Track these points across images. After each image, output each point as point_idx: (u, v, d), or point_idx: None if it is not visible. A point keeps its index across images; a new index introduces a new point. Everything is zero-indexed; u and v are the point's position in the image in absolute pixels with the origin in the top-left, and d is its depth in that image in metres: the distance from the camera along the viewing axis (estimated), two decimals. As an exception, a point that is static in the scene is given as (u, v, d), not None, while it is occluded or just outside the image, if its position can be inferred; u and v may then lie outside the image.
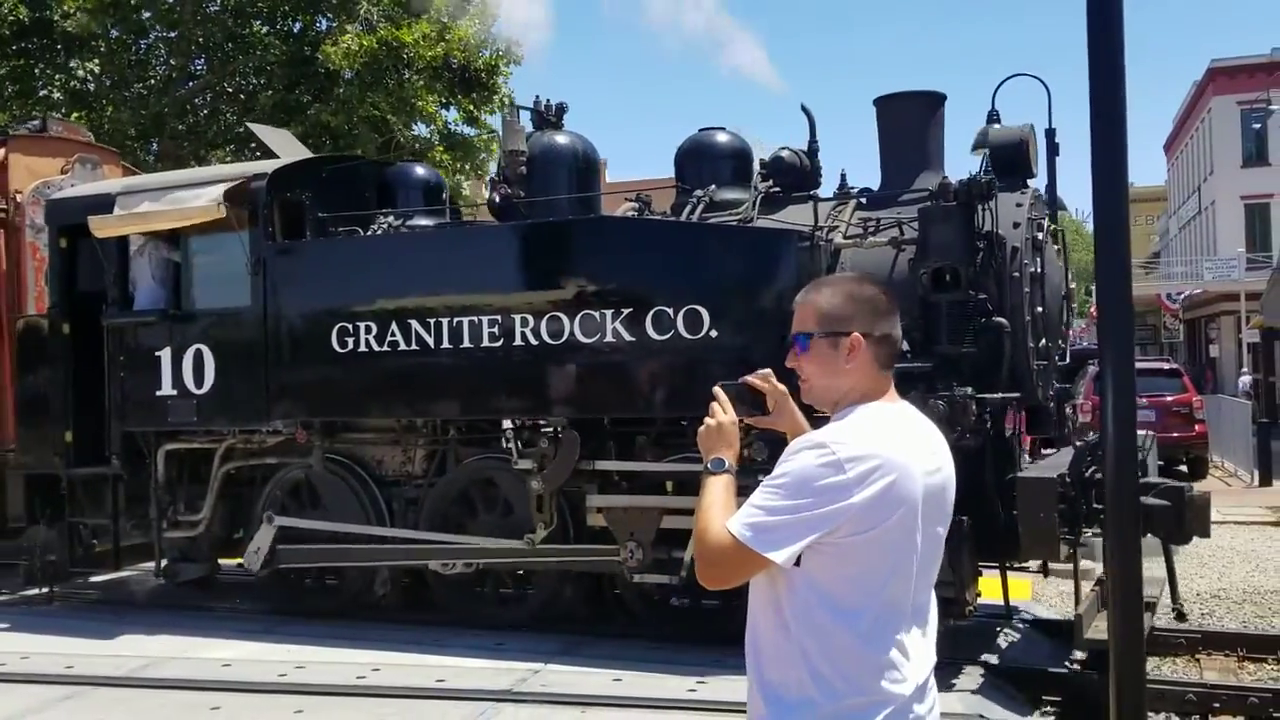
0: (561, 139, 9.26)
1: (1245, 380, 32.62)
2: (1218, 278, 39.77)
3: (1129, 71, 3.71)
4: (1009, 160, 7.94)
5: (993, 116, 9.41)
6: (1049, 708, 7.01)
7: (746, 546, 2.38)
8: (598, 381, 7.98)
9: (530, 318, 8.04)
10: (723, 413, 2.66)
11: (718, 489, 2.53)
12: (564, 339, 7.93)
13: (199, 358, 9.11)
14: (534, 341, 8.03)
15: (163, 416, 9.23)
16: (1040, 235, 8.01)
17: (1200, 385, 30.36)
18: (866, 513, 2.35)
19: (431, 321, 8.33)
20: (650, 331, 7.74)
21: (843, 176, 8.71)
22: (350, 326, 8.55)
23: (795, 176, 8.63)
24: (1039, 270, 7.92)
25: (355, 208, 9.55)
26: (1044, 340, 8.00)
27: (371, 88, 19.84)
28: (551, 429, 8.21)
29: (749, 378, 2.76)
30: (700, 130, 9.16)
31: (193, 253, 9.38)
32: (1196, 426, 19.26)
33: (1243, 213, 42.79)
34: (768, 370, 2.79)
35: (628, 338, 7.80)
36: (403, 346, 8.40)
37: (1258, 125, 41.19)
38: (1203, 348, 44.18)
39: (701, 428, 2.66)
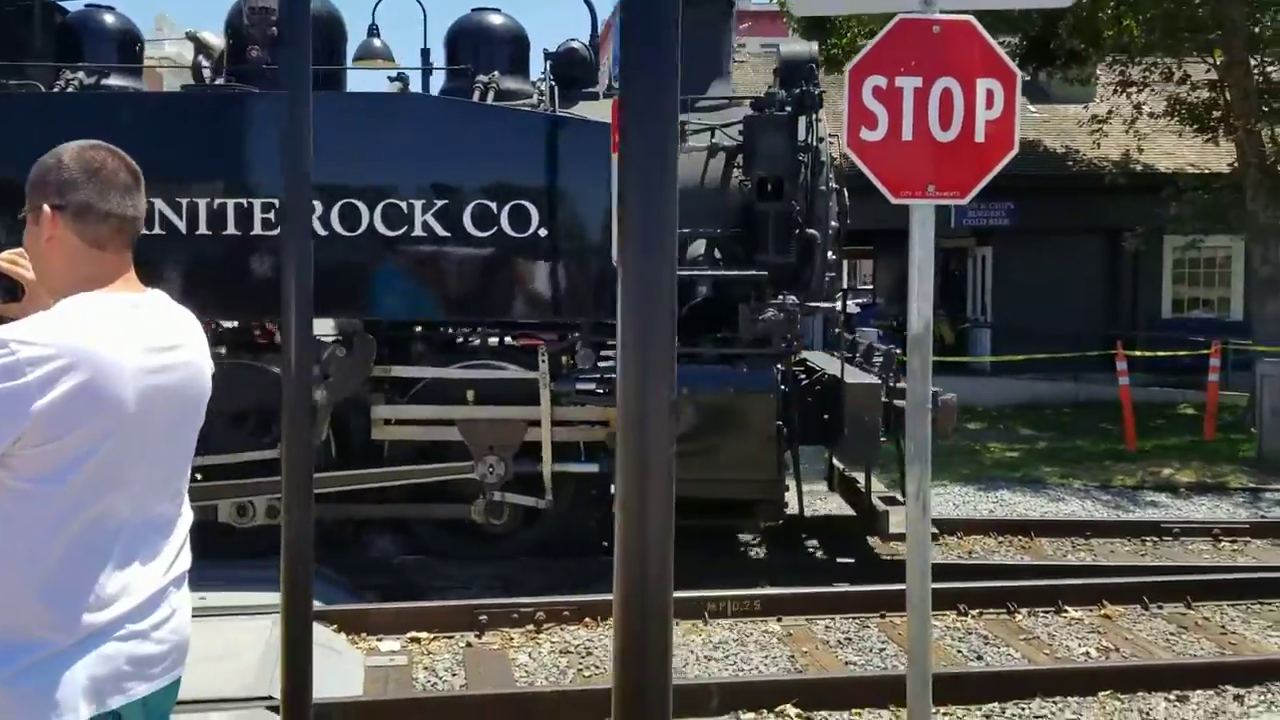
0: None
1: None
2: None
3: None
4: (798, 77, 7.97)
5: (373, 30, 9.49)
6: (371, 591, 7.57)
7: None
8: (402, 280, 7.32)
9: (319, 204, 7.07)
10: None
11: None
12: (361, 230, 7.15)
13: None
14: (323, 231, 7.08)
15: None
16: (835, 153, 8.17)
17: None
18: (53, 419, 2.02)
19: (184, 202, 7.15)
20: (470, 227, 7.21)
21: (610, 77, 8.65)
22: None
23: (583, 71, 8.39)
24: (835, 185, 8.14)
25: (26, 57, 7.92)
26: (831, 254, 8.25)
27: None
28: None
29: None
30: (473, 10, 8.46)
31: None
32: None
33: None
34: (19, 250, 2.39)
35: (441, 232, 7.20)
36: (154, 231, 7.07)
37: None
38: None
39: None
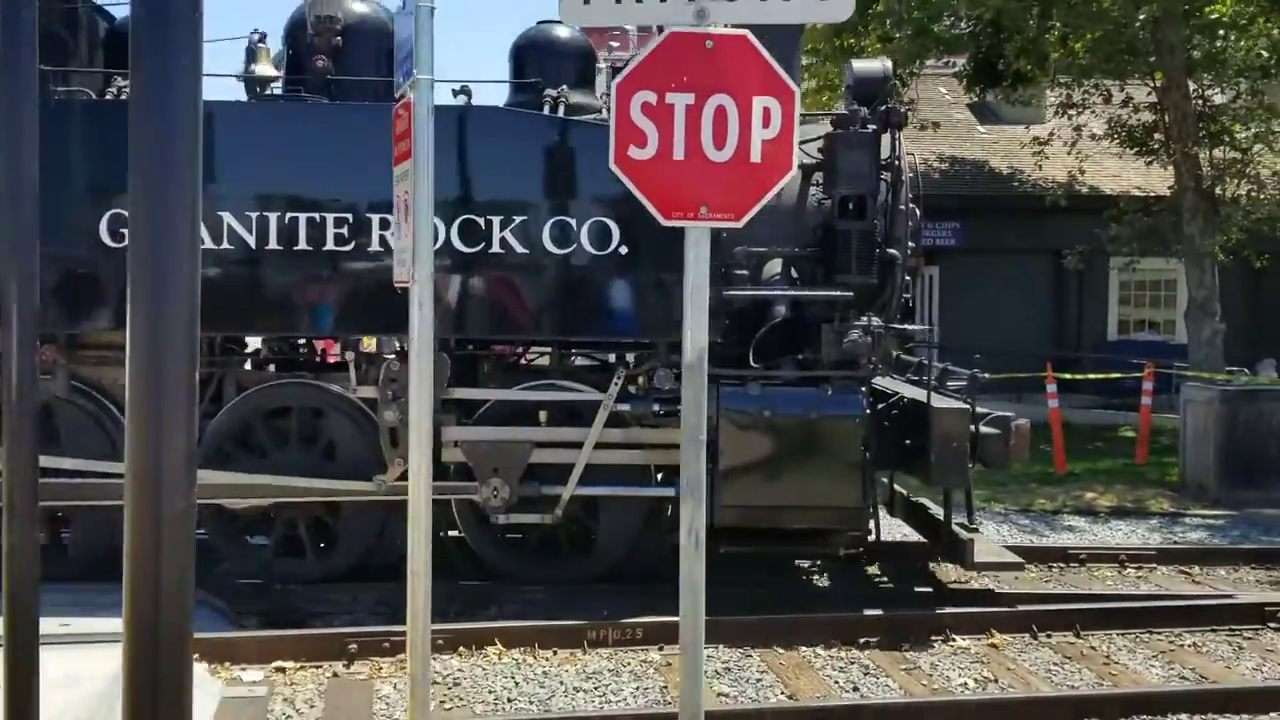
0: (370, 10, 8.02)
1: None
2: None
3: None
4: (873, 93, 7.84)
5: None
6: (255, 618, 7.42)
7: None
8: (479, 298, 7.30)
9: (392, 219, 7.14)
10: None
11: None
12: (438, 246, 6.97)
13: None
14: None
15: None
16: (911, 171, 7.99)
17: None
18: None
19: (254, 216, 7.10)
20: (549, 244, 7.18)
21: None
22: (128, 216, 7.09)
23: None
24: (912, 204, 7.97)
25: (72, 63, 7.73)
26: (906, 275, 8.04)
27: None
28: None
29: None
30: (539, 23, 8.32)
31: None
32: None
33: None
34: None
35: (520, 249, 7.15)
36: (208, 244, 6.98)
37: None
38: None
39: None
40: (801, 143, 7.64)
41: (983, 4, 14.44)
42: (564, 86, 7.81)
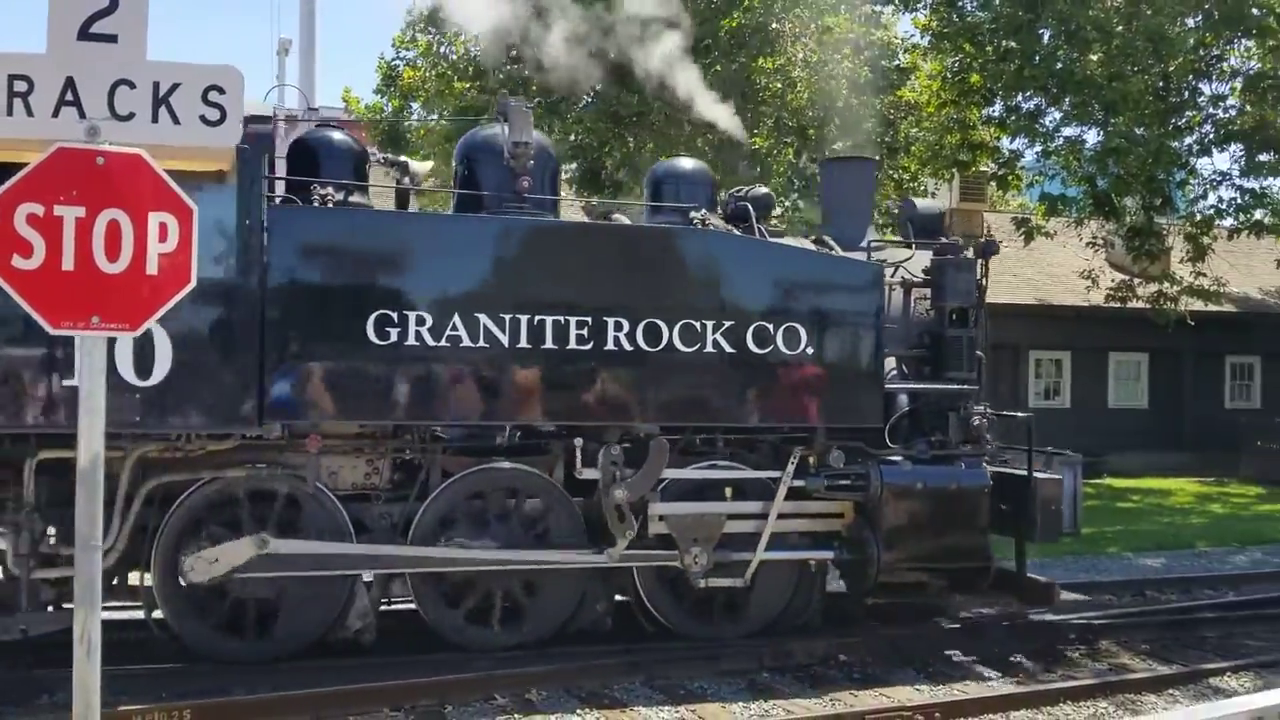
0: (540, 136, 8.94)
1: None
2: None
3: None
4: (930, 226, 9.66)
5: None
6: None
7: None
8: (693, 391, 8.15)
9: (625, 322, 7.90)
10: None
11: None
12: (662, 346, 8.00)
13: (145, 340, 6.75)
14: (629, 347, 7.91)
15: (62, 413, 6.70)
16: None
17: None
18: None
19: (507, 318, 7.72)
20: (751, 346, 8.18)
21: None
22: (396, 316, 7.45)
23: (767, 213, 9.60)
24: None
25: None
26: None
27: None
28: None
29: None
30: (671, 158, 9.90)
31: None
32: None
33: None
34: None
35: (729, 350, 8.16)
36: (466, 343, 7.66)
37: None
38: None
39: None
40: (902, 262, 9.24)
41: (578, 126, 17.32)
42: (704, 211, 8.90)
